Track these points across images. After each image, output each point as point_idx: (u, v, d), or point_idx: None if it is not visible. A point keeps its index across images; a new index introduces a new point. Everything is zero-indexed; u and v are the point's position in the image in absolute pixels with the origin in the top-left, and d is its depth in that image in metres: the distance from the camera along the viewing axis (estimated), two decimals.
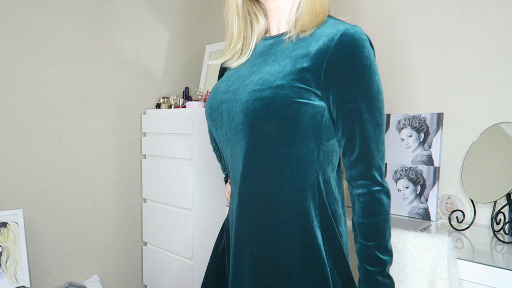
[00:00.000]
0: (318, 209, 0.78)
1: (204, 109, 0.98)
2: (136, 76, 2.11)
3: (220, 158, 1.10)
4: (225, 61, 0.92)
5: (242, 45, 0.88)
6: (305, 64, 0.75)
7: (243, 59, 0.88)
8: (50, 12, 1.78)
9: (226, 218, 1.03)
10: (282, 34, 0.85)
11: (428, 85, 1.54)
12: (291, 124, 0.74)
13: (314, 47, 0.76)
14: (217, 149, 1.08)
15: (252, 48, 0.88)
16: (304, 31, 0.80)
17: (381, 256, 0.75)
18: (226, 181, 1.14)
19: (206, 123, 1.11)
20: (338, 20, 0.81)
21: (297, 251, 0.77)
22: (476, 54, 1.42)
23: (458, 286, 1.03)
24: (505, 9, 1.36)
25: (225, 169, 1.13)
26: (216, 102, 0.86)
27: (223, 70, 0.99)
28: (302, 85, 0.74)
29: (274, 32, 0.89)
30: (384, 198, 0.76)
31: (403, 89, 1.62)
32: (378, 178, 0.76)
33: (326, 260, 0.77)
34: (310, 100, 0.75)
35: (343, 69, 0.73)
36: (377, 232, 0.76)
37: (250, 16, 0.89)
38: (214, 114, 0.87)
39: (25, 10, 1.70)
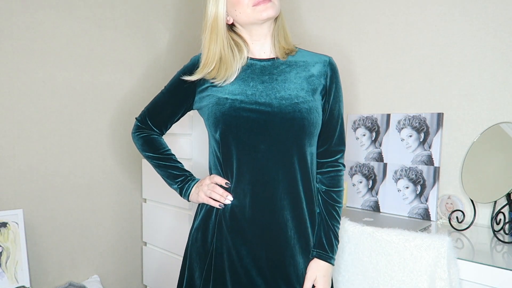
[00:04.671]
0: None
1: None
2: (136, 76, 2.11)
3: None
4: (208, 79, 1.03)
5: (226, 68, 1.00)
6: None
7: (231, 79, 1.01)
8: (50, 12, 1.78)
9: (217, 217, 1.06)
10: (274, 58, 1.04)
11: (428, 85, 1.54)
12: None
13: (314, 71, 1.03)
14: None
15: (238, 70, 1.01)
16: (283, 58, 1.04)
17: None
18: (190, 185, 1.15)
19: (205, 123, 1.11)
20: (309, 51, 1.09)
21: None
22: (476, 54, 1.42)
23: (458, 286, 1.03)
24: (505, 9, 1.36)
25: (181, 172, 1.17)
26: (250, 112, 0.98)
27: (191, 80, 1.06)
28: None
29: (259, 55, 1.05)
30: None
31: (403, 89, 1.62)
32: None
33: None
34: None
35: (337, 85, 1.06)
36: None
37: (231, 44, 1.02)
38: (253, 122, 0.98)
39: (25, 10, 1.70)
